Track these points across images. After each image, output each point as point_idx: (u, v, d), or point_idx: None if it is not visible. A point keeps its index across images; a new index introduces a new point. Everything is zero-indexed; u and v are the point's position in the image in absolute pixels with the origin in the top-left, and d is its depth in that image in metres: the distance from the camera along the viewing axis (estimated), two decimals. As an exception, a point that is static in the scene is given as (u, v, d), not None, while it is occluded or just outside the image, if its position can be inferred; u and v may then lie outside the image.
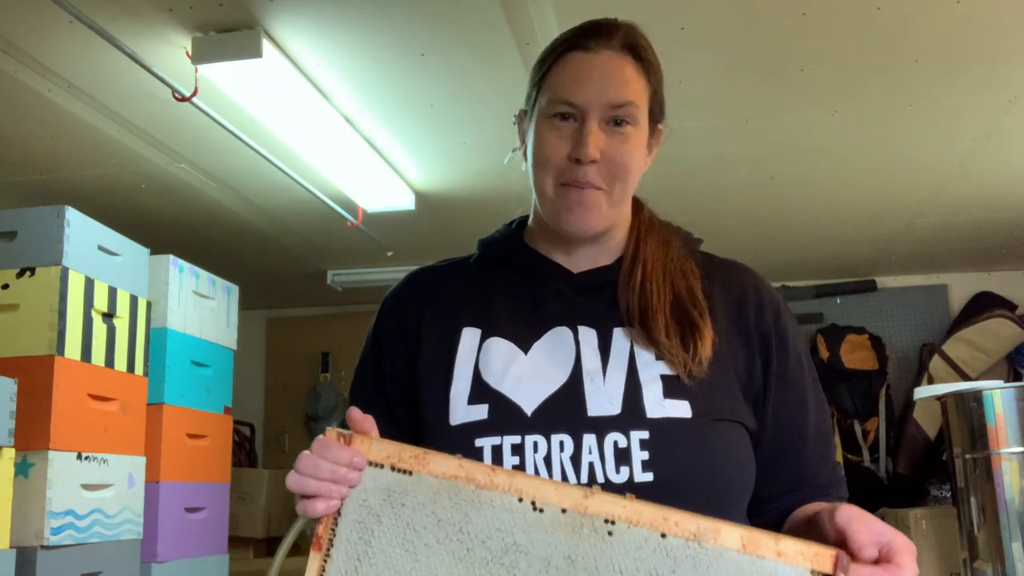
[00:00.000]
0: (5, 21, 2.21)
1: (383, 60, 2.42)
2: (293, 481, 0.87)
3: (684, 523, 0.82)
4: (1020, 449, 3.10)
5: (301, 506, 0.87)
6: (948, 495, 4.11)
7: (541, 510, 0.84)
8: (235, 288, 2.96)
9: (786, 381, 1.09)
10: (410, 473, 0.87)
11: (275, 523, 4.25)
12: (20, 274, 2.11)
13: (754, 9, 2.21)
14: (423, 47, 2.36)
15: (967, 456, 3.23)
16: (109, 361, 2.27)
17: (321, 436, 0.89)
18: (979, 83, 2.61)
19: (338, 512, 0.87)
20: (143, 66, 2.31)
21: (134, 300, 2.39)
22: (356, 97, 2.63)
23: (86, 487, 2.14)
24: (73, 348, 2.13)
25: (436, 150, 3.06)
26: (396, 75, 2.51)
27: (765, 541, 0.80)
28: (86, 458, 2.15)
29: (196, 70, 2.34)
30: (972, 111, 2.81)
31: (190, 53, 2.28)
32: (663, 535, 0.82)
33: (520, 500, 0.84)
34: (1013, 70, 2.54)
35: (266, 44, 2.25)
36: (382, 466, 0.88)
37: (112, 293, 2.29)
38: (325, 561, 0.87)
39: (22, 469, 2.01)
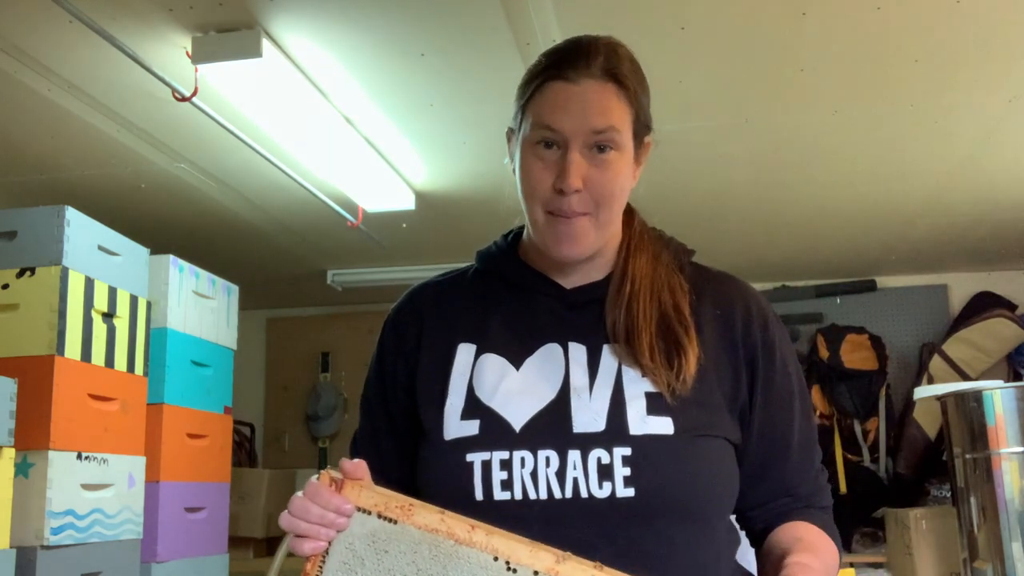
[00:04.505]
0: (5, 21, 2.21)
1: (383, 60, 2.42)
2: (285, 521, 0.93)
3: None
4: (1020, 449, 3.10)
5: (291, 544, 0.93)
6: (948, 495, 4.11)
7: (514, 570, 0.87)
8: (235, 288, 2.96)
9: (772, 392, 1.11)
10: (395, 522, 0.91)
11: (275, 523, 4.23)
12: (20, 274, 2.11)
13: (754, 9, 2.21)
14: (423, 47, 2.36)
15: (967, 456, 3.24)
16: (109, 361, 2.27)
17: (314, 479, 0.94)
18: (979, 83, 2.61)
19: (326, 552, 0.92)
20: (143, 66, 2.31)
21: (134, 300, 2.39)
22: (356, 97, 2.63)
23: (86, 487, 2.14)
24: (73, 348, 2.13)
25: (436, 150, 3.06)
26: (396, 75, 2.51)
27: None
28: (86, 458, 2.15)
29: (196, 70, 2.34)
30: (972, 111, 2.81)
31: (190, 53, 2.28)
32: None
33: (495, 559, 0.88)
34: (1013, 70, 2.53)
35: (266, 44, 2.25)
36: (370, 513, 0.92)
37: (112, 293, 2.29)
38: None
39: (22, 469, 2.01)
